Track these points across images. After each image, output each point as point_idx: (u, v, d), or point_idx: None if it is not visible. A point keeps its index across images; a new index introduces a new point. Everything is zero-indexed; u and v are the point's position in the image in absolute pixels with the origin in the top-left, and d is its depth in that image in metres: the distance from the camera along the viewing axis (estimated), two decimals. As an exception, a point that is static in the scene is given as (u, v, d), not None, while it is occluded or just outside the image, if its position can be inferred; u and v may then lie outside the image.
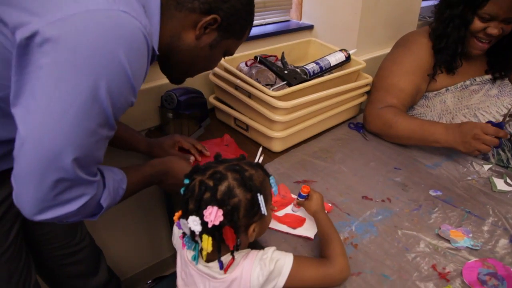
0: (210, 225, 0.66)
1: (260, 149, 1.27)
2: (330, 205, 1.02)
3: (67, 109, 0.60)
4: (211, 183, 0.68)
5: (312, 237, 0.90)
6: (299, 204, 0.96)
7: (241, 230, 0.71)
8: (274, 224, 0.94)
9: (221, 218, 0.66)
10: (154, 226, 1.71)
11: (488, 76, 1.37)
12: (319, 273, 0.76)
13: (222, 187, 0.68)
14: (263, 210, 0.70)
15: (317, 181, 1.12)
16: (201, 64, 0.90)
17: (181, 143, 1.16)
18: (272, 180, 0.77)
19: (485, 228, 0.97)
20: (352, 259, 0.86)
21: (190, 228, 0.68)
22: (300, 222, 0.95)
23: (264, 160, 1.22)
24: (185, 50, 0.83)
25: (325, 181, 1.12)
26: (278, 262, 0.73)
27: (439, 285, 0.81)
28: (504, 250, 0.90)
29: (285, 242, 0.90)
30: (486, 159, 1.31)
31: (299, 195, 0.93)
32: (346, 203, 1.03)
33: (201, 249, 0.70)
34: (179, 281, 0.85)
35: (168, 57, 0.84)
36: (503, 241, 0.93)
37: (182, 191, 0.72)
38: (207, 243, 0.67)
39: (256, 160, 1.23)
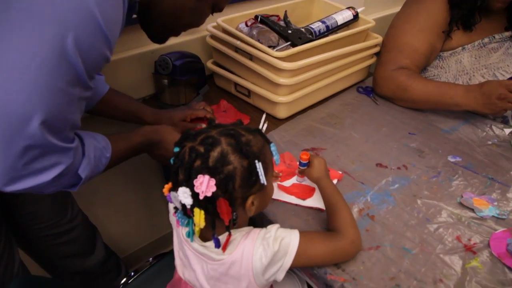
0: (201, 197, 0.58)
1: (264, 116, 1.18)
2: (341, 172, 0.94)
3: (29, 64, 0.51)
4: (202, 149, 0.60)
5: (324, 208, 0.83)
6: (301, 173, 0.88)
7: (237, 203, 0.63)
8: (281, 196, 0.86)
9: (214, 189, 0.58)
10: (152, 200, 1.64)
11: (508, 33, 1.26)
12: (328, 247, 0.69)
13: (215, 153, 0.60)
14: (262, 179, 0.62)
15: (327, 148, 1.04)
16: (186, 18, 0.81)
17: (195, 114, 1.06)
18: (273, 148, 0.68)
19: (511, 195, 0.89)
20: (370, 231, 0.79)
21: (180, 201, 0.60)
22: (309, 192, 0.87)
23: (268, 127, 1.13)
24: None
25: (336, 149, 1.04)
26: (283, 241, 0.65)
27: (465, 258, 0.74)
28: (532, 219, 0.83)
29: (294, 215, 0.83)
30: (505, 122, 1.22)
31: (300, 164, 0.86)
32: (359, 172, 0.95)
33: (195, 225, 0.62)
34: (177, 262, 0.78)
35: (149, 8, 0.75)
36: (531, 209, 0.86)
37: (172, 160, 0.64)
38: (199, 217, 0.60)
39: (259, 127, 1.15)
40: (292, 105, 1.16)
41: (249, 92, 1.22)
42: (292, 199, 0.85)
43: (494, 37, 1.25)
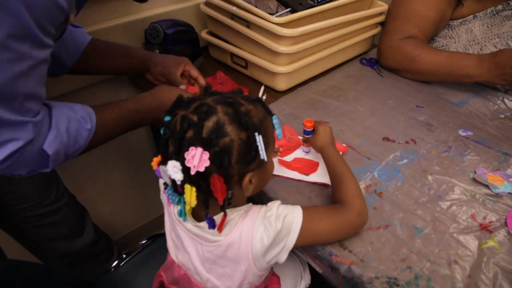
0: (193, 172, 0.51)
1: (262, 88, 1.11)
2: (345, 145, 0.87)
3: None
4: (195, 118, 0.53)
5: (330, 183, 0.76)
6: (305, 142, 0.83)
7: (233, 180, 0.56)
8: (282, 171, 0.80)
9: (207, 163, 0.51)
10: (145, 179, 1.57)
11: (524, 0, 1.18)
12: (334, 221, 0.63)
13: (209, 123, 0.53)
14: (262, 154, 0.55)
15: (330, 122, 0.97)
16: None
17: (190, 69, 0.96)
18: (275, 120, 0.61)
19: (527, 171, 0.84)
20: (378, 209, 0.73)
21: (170, 176, 0.53)
22: (313, 166, 0.81)
23: (266, 100, 1.06)
24: None
25: (339, 122, 0.97)
26: (286, 218, 0.59)
27: (481, 237, 0.68)
28: (550, 196, 0.77)
29: (297, 192, 0.76)
30: (517, 95, 1.16)
31: (304, 132, 0.81)
32: (365, 146, 0.89)
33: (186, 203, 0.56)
34: (170, 244, 0.72)
35: None
36: (548, 185, 0.80)
37: (162, 130, 0.57)
38: (190, 194, 0.53)
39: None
40: (292, 76, 1.08)
41: (247, 63, 1.14)
42: (295, 175, 0.79)
43: (508, 3, 1.17)
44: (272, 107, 1.02)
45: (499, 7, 1.16)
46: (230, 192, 0.55)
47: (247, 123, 0.54)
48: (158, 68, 0.94)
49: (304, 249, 0.70)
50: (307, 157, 0.84)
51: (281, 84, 1.08)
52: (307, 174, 0.79)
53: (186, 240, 0.65)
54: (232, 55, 1.17)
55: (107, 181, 1.45)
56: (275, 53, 1.01)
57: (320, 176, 0.79)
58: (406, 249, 0.66)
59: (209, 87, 0.62)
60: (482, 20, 1.17)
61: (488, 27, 1.17)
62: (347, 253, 0.65)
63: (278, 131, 0.61)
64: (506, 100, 1.09)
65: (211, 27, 1.22)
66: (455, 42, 1.20)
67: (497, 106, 1.07)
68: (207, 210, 0.56)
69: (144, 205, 1.65)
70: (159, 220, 1.72)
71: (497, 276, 0.62)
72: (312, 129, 0.80)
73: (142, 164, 1.51)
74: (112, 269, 1.04)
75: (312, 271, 0.93)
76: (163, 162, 0.55)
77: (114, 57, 0.94)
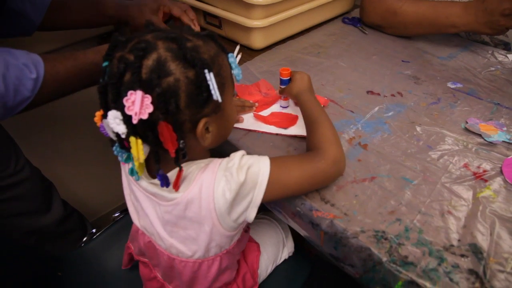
0: (135, 120, 0.43)
1: (238, 47, 1.02)
2: (326, 99, 0.80)
3: None
4: (131, 57, 0.45)
5: (310, 136, 0.70)
6: (281, 93, 0.76)
7: (185, 128, 0.49)
8: (258, 126, 0.72)
9: (150, 108, 0.43)
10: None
11: None
12: (306, 171, 0.55)
13: (149, 62, 0.45)
14: (215, 94, 0.47)
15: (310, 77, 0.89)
16: None
17: (170, 8, 0.87)
18: (231, 59, 0.53)
19: (520, 120, 0.78)
20: (362, 161, 0.66)
21: (113, 130, 0.46)
22: (291, 120, 0.73)
23: (242, 59, 0.98)
24: None
25: (320, 77, 0.90)
26: (250, 169, 0.51)
27: (475, 187, 0.62)
28: (546, 144, 0.72)
29: (274, 146, 0.69)
30: (507, 49, 1.10)
31: (280, 82, 0.75)
32: (347, 99, 0.82)
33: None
34: (130, 208, 0.64)
35: None
36: (544, 134, 0.74)
37: (100, 80, 0.49)
38: (136, 148, 0.45)
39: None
40: (269, 32, 1.00)
41: (220, 23, 1.06)
42: (272, 129, 0.72)
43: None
44: (248, 65, 0.94)
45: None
46: (182, 142, 0.47)
47: (194, 59, 0.45)
48: (138, 15, 0.85)
49: (281, 206, 0.63)
50: (285, 111, 0.77)
51: (257, 42, 1.00)
52: (285, 128, 0.72)
53: (144, 201, 0.57)
54: (205, 14, 1.08)
55: (83, 157, 1.36)
56: (250, 6, 0.93)
57: (300, 128, 0.72)
58: (395, 201, 0.59)
59: (150, 23, 0.52)
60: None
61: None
62: (329, 207, 0.58)
63: (236, 71, 0.53)
64: (496, 54, 1.03)
65: (182, -15, 1.13)
66: (441, -4, 1.13)
67: (486, 60, 1.01)
68: (158, 165, 0.48)
69: (118, 185, 1.56)
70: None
71: (494, 225, 0.56)
72: (288, 77, 0.73)
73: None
74: (82, 245, 0.96)
75: (296, 239, 0.87)
76: (104, 113, 0.47)
77: (85, 9, 0.85)
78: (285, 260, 0.85)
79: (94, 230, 1.00)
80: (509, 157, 0.68)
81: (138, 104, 0.43)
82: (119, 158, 0.52)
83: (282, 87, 0.75)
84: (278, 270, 0.83)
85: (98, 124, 0.49)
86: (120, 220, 1.02)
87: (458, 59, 1.01)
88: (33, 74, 0.59)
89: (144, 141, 0.46)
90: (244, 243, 0.70)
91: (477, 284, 0.48)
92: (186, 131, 0.49)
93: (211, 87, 0.46)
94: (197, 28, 0.86)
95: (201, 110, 0.48)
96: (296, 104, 0.79)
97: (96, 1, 0.85)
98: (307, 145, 0.61)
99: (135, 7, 0.86)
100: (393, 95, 0.84)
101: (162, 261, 0.62)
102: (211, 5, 1.05)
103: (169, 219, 0.55)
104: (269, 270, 0.81)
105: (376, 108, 0.79)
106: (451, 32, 1.00)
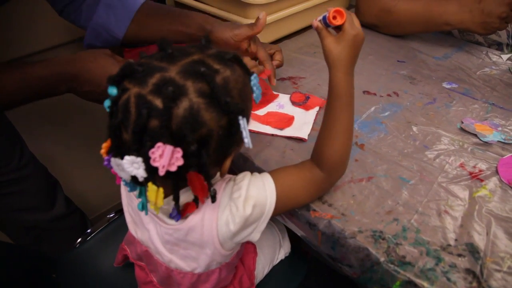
0: (162, 173, 0.39)
1: (233, 46, 1.02)
2: (323, 99, 0.80)
3: None
4: (158, 102, 0.39)
5: (306, 137, 0.69)
6: (317, 28, 0.55)
7: (211, 168, 0.46)
8: (255, 126, 0.72)
9: (181, 162, 0.40)
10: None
11: None
12: (313, 194, 0.56)
13: (180, 111, 0.39)
14: (248, 141, 0.43)
15: (306, 77, 0.89)
16: None
17: (257, 50, 0.77)
18: (254, 81, 0.48)
19: (515, 120, 0.79)
20: (359, 162, 0.66)
21: (127, 172, 0.41)
22: (288, 121, 0.73)
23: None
24: None
25: (316, 77, 0.90)
26: (257, 202, 0.49)
27: (472, 186, 0.62)
28: (540, 144, 0.73)
29: (270, 146, 0.69)
30: (500, 49, 1.11)
31: (323, 21, 0.54)
32: (344, 100, 0.82)
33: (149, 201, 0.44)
34: (128, 218, 0.62)
35: None
36: (538, 134, 0.75)
37: (106, 106, 0.43)
38: (155, 195, 0.42)
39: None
40: (265, 32, 0.99)
41: (216, 21, 1.05)
42: (268, 129, 0.71)
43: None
44: (244, 64, 0.94)
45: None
46: (212, 189, 0.44)
47: (228, 106, 0.41)
48: (225, 27, 0.76)
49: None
50: (281, 111, 0.77)
51: (253, 41, 1.00)
52: (281, 129, 0.72)
53: (145, 217, 0.55)
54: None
55: (84, 153, 1.35)
56: (247, 5, 0.93)
57: (296, 130, 0.71)
58: (392, 201, 0.59)
59: (165, 42, 0.44)
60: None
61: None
62: (326, 207, 0.58)
63: (256, 93, 0.48)
64: (490, 54, 1.04)
65: (177, -16, 1.12)
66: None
67: (481, 60, 1.01)
68: (177, 206, 0.45)
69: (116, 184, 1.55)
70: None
71: (490, 225, 0.56)
72: (338, 26, 0.53)
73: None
74: (77, 245, 0.95)
75: (292, 240, 0.87)
76: (116, 153, 0.43)
77: (169, 25, 0.80)
78: (281, 261, 0.85)
79: (89, 231, 1.00)
80: (504, 157, 0.68)
81: (167, 157, 0.39)
82: (128, 189, 0.47)
83: (322, 24, 0.54)
84: (274, 270, 0.83)
85: (104, 156, 0.45)
86: (115, 221, 1.02)
87: (453, 59, 1.01)
88: None
89: (165, 188, 0.43)
90: (242, 250, 0.69)
91: (474, 284, 0.48)
92: (212, 170, 0.47)
93: (244, 134, 0.43)
94: (272, 84, 0.79)
95: (229, 152, 0.47)
96: (295, 99, 0.78)
97: (180, 19, 0.79)
98: (318, 138, 0.55)
99: (220, 25, 0.78)
100: (389, 95, 0.84)
101: (160, 270, 0.61)
102: (207, 5, 1.04)
103: (169, 239, 0.53)
104: (266, 271, 0.81)
105: (373, 108, 0.79)
106: (445, 29, 1.01)
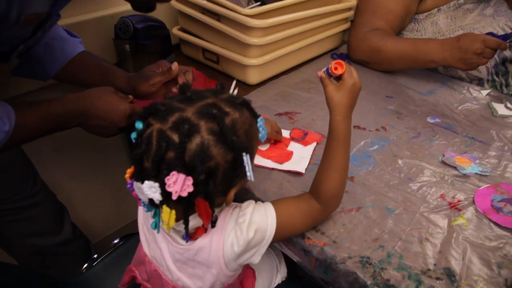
0: (174, 197, 0.47)
1: (234, 82, 1.10)
2: (320, 135, 0.87)
3: None
4: (176, 137, 0.47)
5: (303, 171, 0.77)
6: (321, 79, 0.62)
7: (217, 197, 0.53)
8: (256, 160, 0.79)
9: (191, 189, 0.47)
10: (125, 181, 1.54)
11: (483, -6, 1.23)
12: (309, 223, 0.63)
13: (192, 145, 0.48)
14: (250, 175, 0.51)
15: (301, 112, 0.97)
16: None
17: (164, 65, 0.89)
18: (260, 122, 0.56)
19: (492, 153, 0.86)
20: (350, 193, 0.73)
21: (146, 195, 0.50)
22: (287, 156, 0.80)
23: (238, 94, 1.06)
24: None
25: (311, 112, 0.97)
26: (259, 227, 0.57)
27: (450, 216, 0.69)
28: (515, 175, 0.80)
29: (268, 179, 0.76)
30: (480, 84, 1.20)
31: (327, 72, 0.61)
32: (336, 134, 0.90)
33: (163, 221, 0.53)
34: (142, 237, 0.69)
35: None
36: (513, 166, 0.83)
37: (133, 138, 0.51)
38: (168, 216, 0.50)
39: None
40: (263, 69, 1.09)
41: (218, 58, 1.14)
42: (268, 163, 0.79)
43: (469, -3, 1.21)
44: (244, 99, 1.02)
45: (461, 0, 1.20)
46: (214, 215, 0.52)
47: (234, 144, 0.49)
48: (143, 83, 0.87)
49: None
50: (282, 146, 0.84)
51: (252, 78, 1.09)
52: (281, 163, 0.79)
53: (158, 236, 0.62)
54: (204, 50, 1.17)
55: (89, 181, 1.41)
56: (246, 45, 1.01)
57: (294, 164, 0.79)
58: (378, 229, 0.66)
59: (187, 86, 0.53)
60: (446, 13, 1.21)
61: (452, 19, 1.21)
62: (319, 235, 0.65)
63: (262, 134, 0.57)
64: (471, 90, 1.13)
65: (183, 23, 1.21)
66: (422, 35, 1.23)
67: (463, 95, 1.10)
68: (187, 229, 0.53)
69: (126, 206, 1.61)
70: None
71: (466, 251, 0.63)
72: (338, 75, 0.60)
73: (122, 165, 1.47)
74: (84, 270, 1.00)
75: (289, 264, 0.92)
76: (138, 178, 0.50)
77: (100, 75, 0.89)
78: (278, 285, 0.90)
79: (95, 256, 1.05)
80: (480, 188, 0.75)
81: (180, 184, 0.46)
82: (145, 209, 0.55)
83: (327, 74, 0.62)
84: (272, 293, 0.89)
85: (128, 180, 0.53)
86: (120, 247, 1.07)
87: (437, 95, 1.10)
88: (6, 126, 0.63)
89: (177, 211, 0.50)
90: (242, 274, 0.75)
91: (450, 304, 0.55)
92: (217, 199, 0.54)
93: (246, 168, 0.50)
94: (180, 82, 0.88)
95: (232, 182, 0.53)
96: (295, 135, 0.86)
97: (109, 71, 0.90)
98: (317, 173, 0.62)
99: (138, 76, 0.88)
100: (377, 129, 0.92)
101: None
102: (210, 43, 1.13)
103: (179, 258, 0.60)
104: (264, 294, 0.86)
105: (362, 142, 0.87)
106: (431, 67, 1.10)
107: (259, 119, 0.56)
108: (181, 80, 0.88)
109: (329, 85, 0.61)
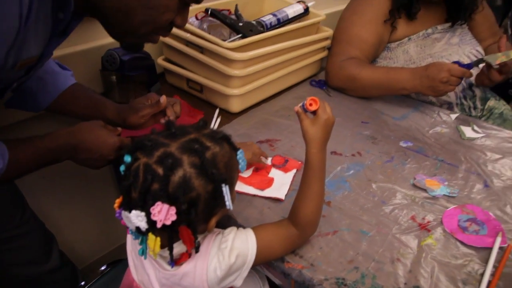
0: (159, 225, 0.51)
1: (217, 111, 1.15)
2: (300, 162, 0.92)
3: None
4: (160, 170, 0.52)
5: (283, 197, 0.81)
6: (299, 115, 0.67)
7: (199, 225, 0.58)
8: (239, 186, 0.84)
9: (174, 218, 0.51)
10: (111, 207, 1.56)
11: (449, 24, 1.32)
12: (288, 248, 0.67)
13: (176, 178, 0.52)
14: (228, 204, 0.55)
15: (281, 139, 1.02)
16: (139, 15, 0.65)
17: (153, 97, 0.92)
18: (240, 155, 0.61)
19: (460, 175, 0.92)
20: (326, 217, 0.78)
21: (133, 223, 0.54)
22: (268, 182, 0.85)
23: (221, 122, 1.11)
24: None
25: (290, 139, 1.03)
26: (240, 252, 0.61)
27: (420, 236, 0.74)
28: (480, 195, 0.86)
29: (250, 206, 0.80)
30: (450, 108, 1.27)
31: (303, 106, 0.66)
32: (314, 160, 0.95)
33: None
34: (130, 263, 0.72)
35: (92, 4, 0.63)
36: (478, 187, 0.89)
37: (122, 170, 0.55)
38: (154, 243, 0.53)
39: (212, 124, 1.12)
40: (245, 98, 1.14)
41: (202, 88, 1.19)
42: (250, 190, 0.83)
43: (436, 27, 1.30)
44: (227, 128, 1.07)
45: (429, 30, 1.29)
46: (197, 241, 0.56)
47: (214, 176, 0.53)
48: (133, 115, 0.90)
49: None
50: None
51: (234, 106, 1.14)
52: (262, 189, 0.83)
53: (146, 262, 0.65)
54: (188, 80, 1.22)
55: (76, 208, 1.43)
56: (228, 77, 1.07)
57: (275, 191, 0.83)
58: (353, 252, 0.71)
59: (171, 123, 0.58)
60: (415, 42, 1.29)
61: (421, 48, 1.29)
62: (298, 259, 0.69)
63: (242, 165, 0.61)
64: (441, 114, 1.20)
65: (167, 54, 1.27)
66: (394, 63, 1.31)
67: (433, 119, 1.17)
68: (171, 255, 0.56)
69: (112, 231, 1.62)
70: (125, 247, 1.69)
71: (434, 270, 0.67)
72: (313, 111, 0.65)
73: (109, 191, 1.50)
74: (72, 298, 1.02)
75: (271, 286, 0.96)
76: (126, 207, 0.55)
77: (91, 107, 0.93)
78: (263, 306, 0.93)
79: (82, 283, 1.06)
80: (448, 209, 0.81)
81: (164, 213, 0.50)
82: (133, 236, 0.59)
83: (301, 109, 0.67)
84: (257, 315, 0.92)
85: (116, 209, 0.57)
86: (107, 273, 1.08)
87: (410, 119, 1.16)
88: (0, 164, 0.66)
89: (161, 238, 0.54)
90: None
91: (419, 321, 0.59)
92: (199, 227, 0.57)
93: (226, 198, 0.55)
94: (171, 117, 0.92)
95: (213, 211, 0.57)
96: (276, 162, 0.91)
97: (99, 103, 0.94)
98: (294, 201, 0.66)
99: (128, 108, 0.92)
100: (353, 154, 0.98)
101: None
102: (194, 73, 1.18)
103: (166, 283, 0.63)
104: (249, 316, 0.89)
105: (339, 168, 0.92)
106: (403, 93, 1.17)
107: (238, 152, 0.61)
108: (169, 112, 0.92)
109: (304, 119, 0.66)
